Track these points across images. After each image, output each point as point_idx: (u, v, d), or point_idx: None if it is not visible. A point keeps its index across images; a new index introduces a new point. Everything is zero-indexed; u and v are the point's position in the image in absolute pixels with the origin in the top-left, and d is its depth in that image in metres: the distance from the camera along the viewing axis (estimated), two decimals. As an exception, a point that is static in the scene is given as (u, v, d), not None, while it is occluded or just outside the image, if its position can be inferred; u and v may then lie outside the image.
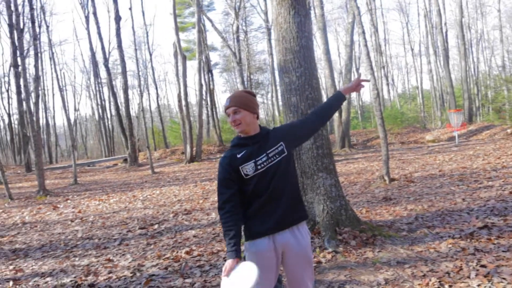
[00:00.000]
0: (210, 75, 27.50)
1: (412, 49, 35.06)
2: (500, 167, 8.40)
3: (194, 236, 5.42)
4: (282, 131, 2.17)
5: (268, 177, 2.02)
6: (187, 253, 4.61)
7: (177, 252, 4.72)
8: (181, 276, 3.88)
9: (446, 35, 25.92)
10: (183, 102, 20.35)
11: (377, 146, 18.58)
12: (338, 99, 2.31)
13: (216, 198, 8.38)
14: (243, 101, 2.06)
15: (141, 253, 4.89)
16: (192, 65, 34.70)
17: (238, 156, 2.03)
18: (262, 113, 38.40)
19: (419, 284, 3.12)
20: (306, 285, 2.13)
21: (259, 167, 2.01)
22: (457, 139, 16.29)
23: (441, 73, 30.88)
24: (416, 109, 29.27)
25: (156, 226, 6.35)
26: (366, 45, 8.82)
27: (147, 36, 31.37)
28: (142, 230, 6.20)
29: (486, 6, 32.80)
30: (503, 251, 3.57)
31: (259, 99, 34.99)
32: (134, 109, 34.25)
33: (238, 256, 1.90)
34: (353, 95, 31.15)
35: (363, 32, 8.83)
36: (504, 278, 3.01)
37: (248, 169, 2.01)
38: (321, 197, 4.42)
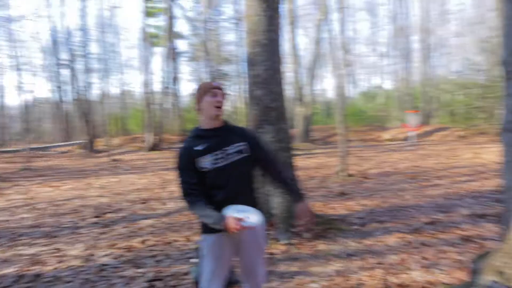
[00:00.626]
0: (176, 63, 26.95)
1: (377, 50, 36.08)
2: (449, 167, 8.89)
3: (149, 226, 5.33)
4: (252, 137, 2.17)
5: (225, 175, 2.00)
6: (141, 242, 4.53)
7: (131, 241, 4.63)
8: (133, 266, 3.81)
9: (410, 39, 26.92)
10: (147, 89, 19.83)
11: (338, 142, 19.03)
12: (290, 190, 2.27)
13: (173, 188, 8.27)
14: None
15: (93, 242, 4.75)
16: (159, 52, 33.80)
17: (196, 148, 2.00)
18: (226, 105, 38.17)
19: (365, 275, 3.25)
20: (257, 272, 2.20)
21: (216, 161, 1.99)
22: (412, 139, 17.04)
23: (403, 74, 32.01)
24: (376, 108, 30.24)
25: (110, 215, 6.17)
26: (333, 43, 8.99)
27: (114, 18, 30.14)
28: (95, 218, 6.01)
29: (449, 14, 34.20)
30: (444, 245, 3.80)
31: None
32: (95, 94, 32.91)
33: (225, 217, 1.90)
34: (317, 89, 31.68)
35: (331, 30, 8.99)
36: (443, 270, 3.21)
37: (204, 162, 1.98)
38: (278, 190, 4.47)
